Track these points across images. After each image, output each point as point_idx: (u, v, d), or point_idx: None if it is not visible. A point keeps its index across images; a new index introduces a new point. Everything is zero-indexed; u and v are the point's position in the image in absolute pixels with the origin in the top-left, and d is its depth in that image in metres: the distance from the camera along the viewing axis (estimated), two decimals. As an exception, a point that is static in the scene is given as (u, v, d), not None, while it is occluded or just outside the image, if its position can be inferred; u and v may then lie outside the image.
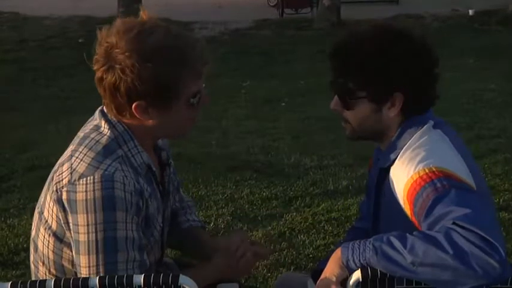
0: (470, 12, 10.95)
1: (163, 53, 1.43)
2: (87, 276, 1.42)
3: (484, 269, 1.27)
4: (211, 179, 4.33)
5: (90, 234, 1.43)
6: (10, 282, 1.38)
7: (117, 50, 1.42)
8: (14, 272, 3.08)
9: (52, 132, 5.58)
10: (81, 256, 1.45)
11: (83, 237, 1.44)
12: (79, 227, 1.44)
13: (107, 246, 1.43)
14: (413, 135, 1.57)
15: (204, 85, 1.53)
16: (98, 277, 1.36)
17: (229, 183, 4.23)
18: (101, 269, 1.44)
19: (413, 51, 1.56)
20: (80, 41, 9.20)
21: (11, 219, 3.69)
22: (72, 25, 9.66)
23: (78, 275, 1.47)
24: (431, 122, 1.59)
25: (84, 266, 1.45)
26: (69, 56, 8.47)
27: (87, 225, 1.43)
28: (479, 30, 9.92)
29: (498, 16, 10.35)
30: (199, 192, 4.11)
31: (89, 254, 1.44)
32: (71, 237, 1.47)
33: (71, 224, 1.46)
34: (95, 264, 1.44)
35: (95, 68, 1.46)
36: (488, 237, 1.29)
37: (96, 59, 1.46)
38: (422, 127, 1.57)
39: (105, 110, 1.53)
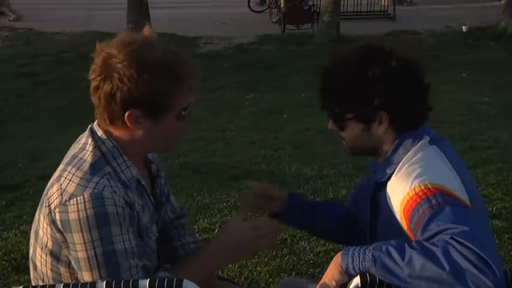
0: (464, 28, 11.02)
1: (161, 68, 1.45)
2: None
3: (478, 287, 1.29)
4: (215, 188, 4.38)
5: (89, 251, 1.44)
6: (22, 287, 1.46)
7: (115, 60, 1.44)
8: (26, 276, 3.08)
9: (63, 143, 5.59)
10: (83, 272, 1.47)
11: (81, 254, 1.45)
12: (76, 245, 1.45)
13: (108, 260, 1.45)
14: (408, 151, 1.57)
15: (192, 99, 1.55)
16: (105, 282, 1.40)
17: (232, 192, 4.26)
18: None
19: (392, 71, 1.56)
20: (91, 55, 9.22)
21: (24, 226, 3.76)
22: (83, 40, 9.72)
23: None
24: (427, 138, 1.58)
25: (89, 280, 1.46)
26: (80, 69, 8.53)
27: (84, 243, 1.44)
28: (473, 46, 9.91)
29: (490, 32, 10.41)
30: (204, 200, 4.17)
31: (91, 270, 1.45)
32: (70, 255, 1.49)
33: (67, 243, 1.47)
34: (98, 277, 1.45)
35: (92, 77, 1.48)
36: (484, 256, 1.30)
37: (93, 68, 1.48)
38: (418, 142, 1.57)
39: (96, 123, 1.55)
